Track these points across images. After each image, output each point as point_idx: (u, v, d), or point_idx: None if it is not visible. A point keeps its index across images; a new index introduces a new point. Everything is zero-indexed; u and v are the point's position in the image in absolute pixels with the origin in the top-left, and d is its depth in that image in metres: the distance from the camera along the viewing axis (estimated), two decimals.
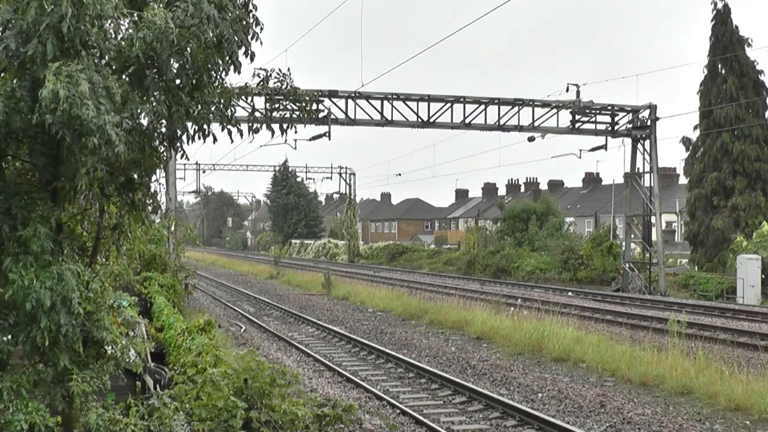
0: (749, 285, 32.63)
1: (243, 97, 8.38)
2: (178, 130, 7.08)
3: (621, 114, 36.55)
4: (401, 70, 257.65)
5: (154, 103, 6.67)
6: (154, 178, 7.45)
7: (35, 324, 6.23)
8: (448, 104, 34.46)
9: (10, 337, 6.46)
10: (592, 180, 79.35)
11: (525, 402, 13.87)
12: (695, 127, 43.11)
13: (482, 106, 34.70)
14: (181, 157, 7.73)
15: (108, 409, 7.26)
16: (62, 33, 5.74)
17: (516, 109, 34.93)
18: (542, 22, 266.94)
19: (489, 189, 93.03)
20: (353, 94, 33.30)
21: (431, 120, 34.29)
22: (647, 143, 36.91)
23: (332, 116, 33.05)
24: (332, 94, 33.08)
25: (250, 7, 7.30)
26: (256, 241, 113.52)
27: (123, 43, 6.37)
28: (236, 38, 6.97)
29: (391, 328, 24.32)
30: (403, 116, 34.23)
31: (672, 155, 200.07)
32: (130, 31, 6.37)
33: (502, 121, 35.01)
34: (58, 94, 5.51)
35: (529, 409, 12.84)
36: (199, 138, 7.33)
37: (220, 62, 6.96)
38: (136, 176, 7.16)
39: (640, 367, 15.80)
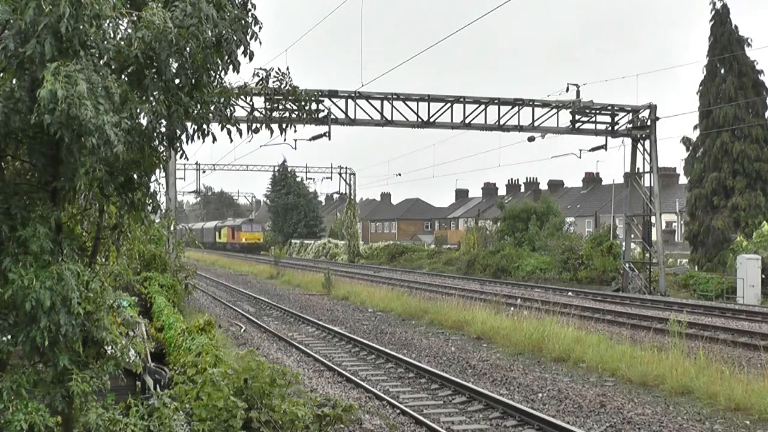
0: (749, 285, 32.63)
1: (242, 97, 8.39)
2: (177, 130, 7.06)
3: (621, 114, 36.54)
4: (401, 70, 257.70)
5: (153, 103, 6.66)
6: (153, 178, 7.43)
7: (35, 324, 6.21)
8: (448, 104, 34.45)
9: (9, 337, 6.45)
10: (592, 180, 79.36)
11: (525, 402, 13.87)
12: (695, 127, 43.12)
13: (482, 106, 34.69)
14: (181, 157, 7.73)
15: (108, 409, 7.25)
16: (60, 33, 5.73)
17: (516, 109, 34.93)
18: (543, 22, 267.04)
19: (489, 189, 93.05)
20: (353, 94, 33.29)
21: (431, 120, 34.29)
22: (647, 143, 36.90)
23: (332, 116, 33.05)
24: (332, 94, 33.08)
25: (249, 6, 7.29)
26: None
27: (122, 42, 6.36)
28: (235, 38, 6.96)
29: (391, 328, 24.31)
30: (403, 116, 34.24)
31: (672, 155, 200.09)
32: (129, 30, 6.37)
33: (502, 121, 35.01)
34: (56, 95, 5.50)
35: (529, 409, 12.85)
36: (199, 138, 7.32)
37: (219, 62, 6.95)
38: (135, 176, 7.15)
39: (641, 367, 15.81)
